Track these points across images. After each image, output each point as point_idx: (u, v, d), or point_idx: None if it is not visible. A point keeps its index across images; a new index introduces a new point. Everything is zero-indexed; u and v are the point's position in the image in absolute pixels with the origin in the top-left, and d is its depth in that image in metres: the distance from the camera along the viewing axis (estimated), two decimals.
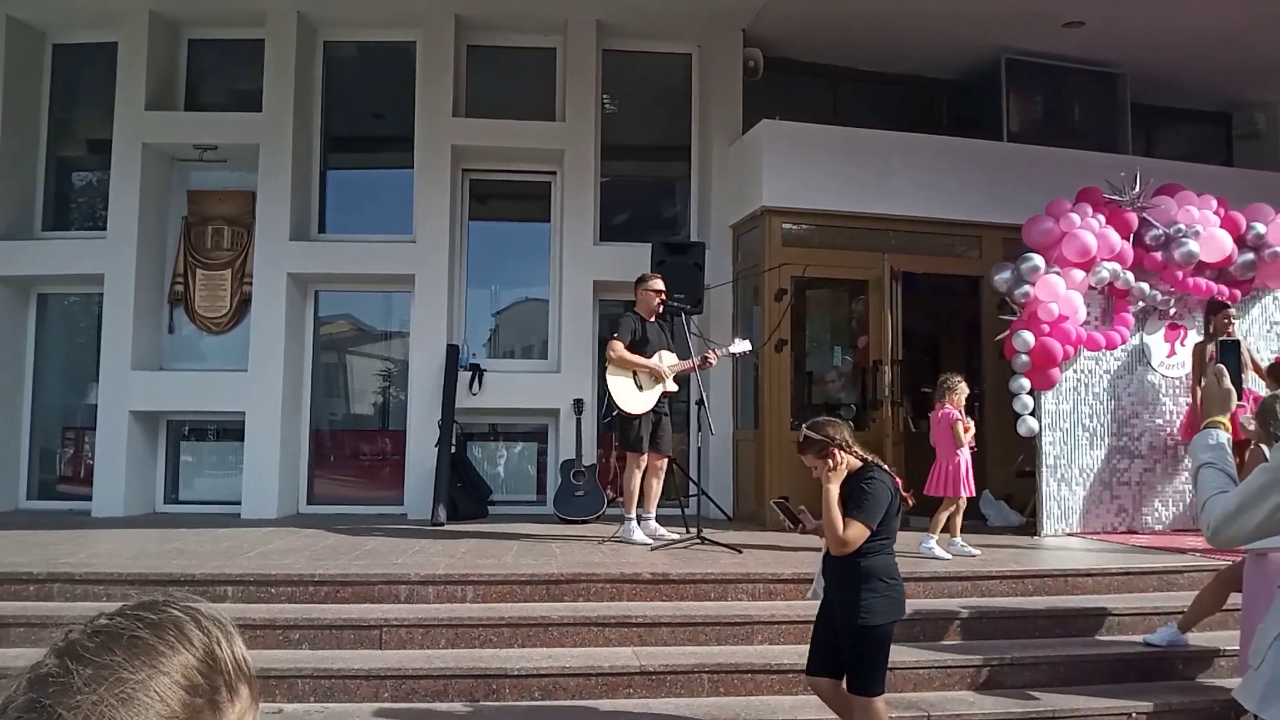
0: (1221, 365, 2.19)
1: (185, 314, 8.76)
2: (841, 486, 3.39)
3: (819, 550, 3.67)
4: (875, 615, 3.34)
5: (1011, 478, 8.17)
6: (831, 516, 3.32)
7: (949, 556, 6.05)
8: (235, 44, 8.88)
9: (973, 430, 6.42)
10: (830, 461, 3.37)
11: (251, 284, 8.52)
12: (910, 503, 3.52)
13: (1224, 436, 2.08)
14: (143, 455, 8.44)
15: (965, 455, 6.35)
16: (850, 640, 3.38)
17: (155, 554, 5.96)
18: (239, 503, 8.20)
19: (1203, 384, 2.23)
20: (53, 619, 4.79)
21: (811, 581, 3.74)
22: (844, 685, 3.48)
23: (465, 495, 8.14)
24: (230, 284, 8.73)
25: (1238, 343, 2.32)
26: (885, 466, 3.48)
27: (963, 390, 6.46)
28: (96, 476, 8.24)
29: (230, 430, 8.69)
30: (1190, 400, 7.48)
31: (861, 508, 3.32)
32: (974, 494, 6.47)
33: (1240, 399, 2.16)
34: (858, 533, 3.30)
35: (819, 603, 3.64)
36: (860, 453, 3.47)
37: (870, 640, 3.36)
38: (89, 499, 8.23)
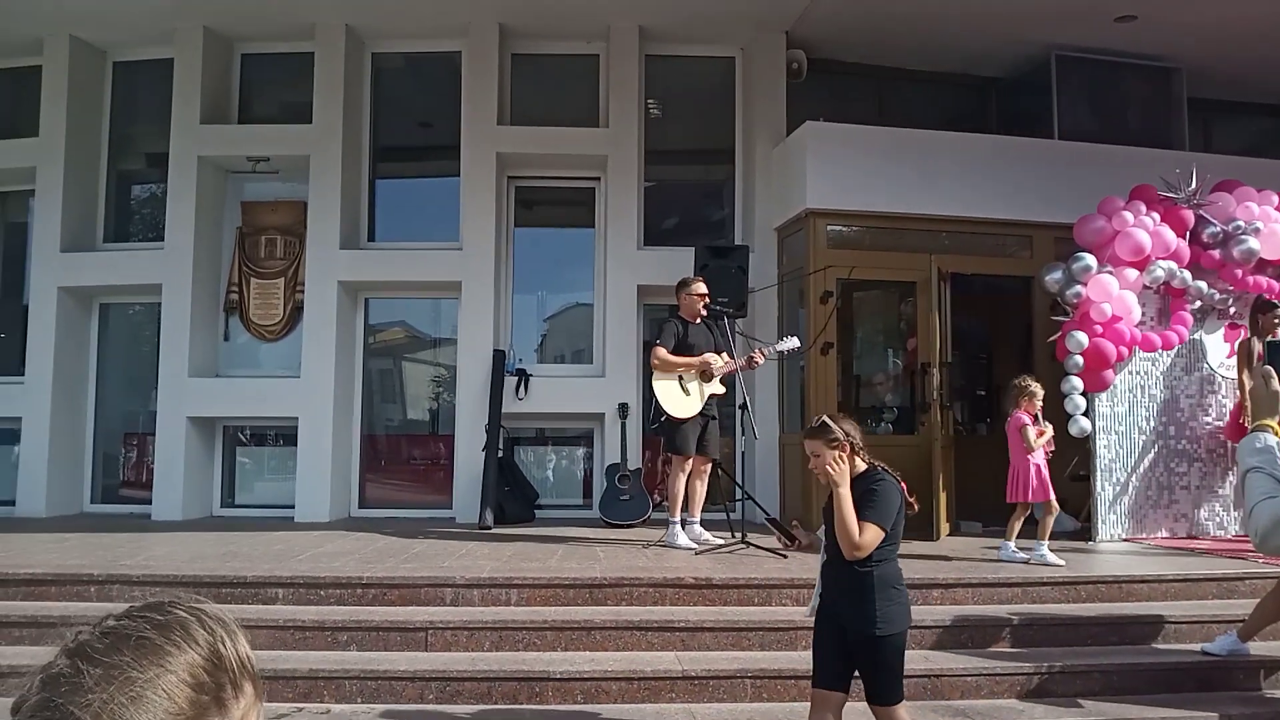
0: (1270, 367, 2.12)
1: (240, 322, 8.97)
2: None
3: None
4: (893, 624, 3.27)
5: (1066, 482, 7.99)
6: (846, 520, 3.22)
7: (1062, 562, 5.92)
8: (286, 57, 9.09)
9: (1047, 434, 6.31)
10: (836, 457, 3.29)
11: (304, 292, 8.69)
12: (915, 507, 3.41)
13: (1272, 439, 2.01)
14: (200, 460, 8.66)
15: (1037, 460, 6.23)
16: (867, 652, 3.30)
17: (210, 556, 6.10)
18: (293, 506, 8.37)
19: (1249, 385, 2.17)
20: None
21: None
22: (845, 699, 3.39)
23: (512, 499, 8.20)
24: (283, 292, 8.92)
25: None
26: (890, 470, 3.40)
27: (1034, 393, 6.33)
28: (156, 481, 8.48)
29: (285, 435, 8.88)
30: (1239, 399, 7.27)
31: (875, 508, 3.25)
32: (1045, 498, 6.25)
33: None
34: (874, 535, 3.23)
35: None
36: (866, 456, 3.40)
37: (890, 649, 3.29)
38: (149, 503, 8.47)
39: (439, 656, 4.76)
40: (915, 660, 4.79)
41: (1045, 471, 6.28)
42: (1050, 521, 6.22)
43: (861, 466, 3.38)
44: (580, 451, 9.16)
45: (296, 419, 8.46)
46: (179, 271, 8.53)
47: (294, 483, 8.49)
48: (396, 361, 9.53)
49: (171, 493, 8.37)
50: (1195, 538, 7.29)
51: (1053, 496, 6.27)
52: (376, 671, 4.52)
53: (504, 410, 8.35)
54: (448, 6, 8.47)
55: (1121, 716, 4.42)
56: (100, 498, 9.06)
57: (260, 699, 0.93)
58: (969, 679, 4.66)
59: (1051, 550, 6.09)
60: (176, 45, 8.71)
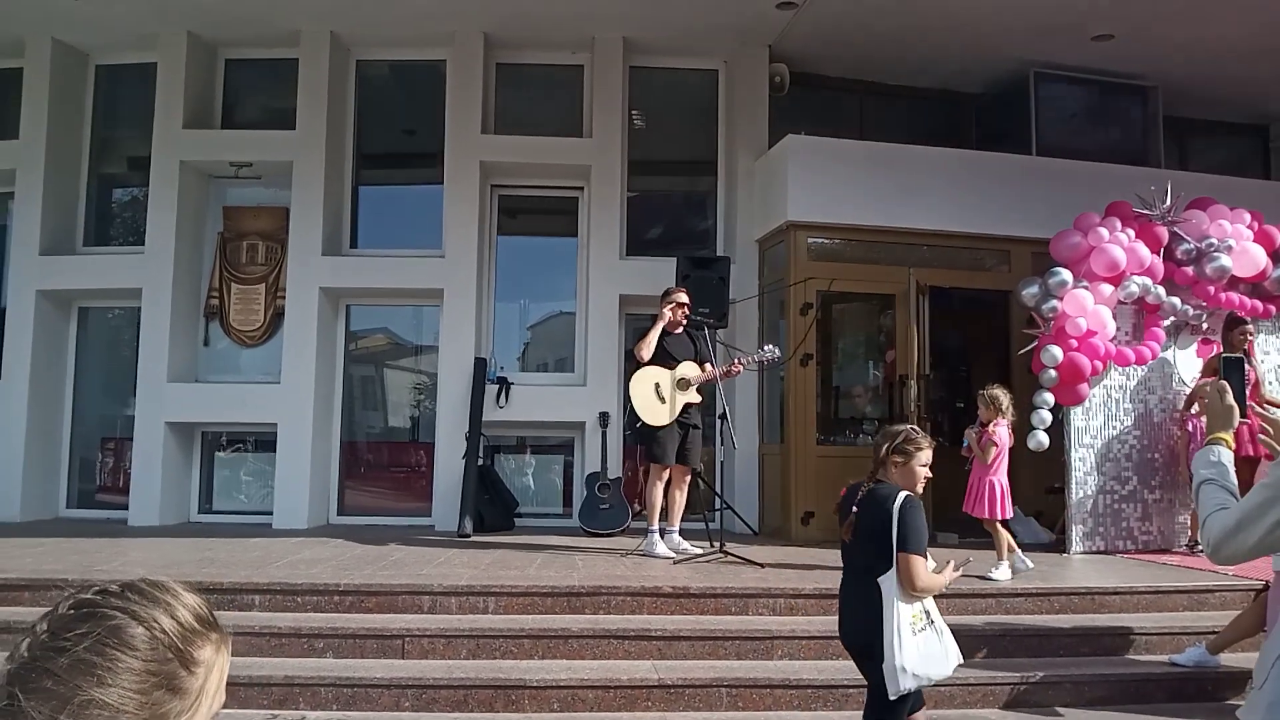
0: (1225, 381, 2.17)
1: (220, 327, 8.93)
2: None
3: (836, 568, 3.60)
4: None
5: (1041, 494, 8.07)
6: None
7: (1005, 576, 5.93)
8: (270, 63, 9.08)
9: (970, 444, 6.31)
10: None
11: (285, 298, 8.68)
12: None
13: (1225, 453, 2.06)
14: (178, 465, 8.61)
15: (993, 476, 6.21)
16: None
17: (186, 562, 6.07)
18: (271, 513, 8.34)
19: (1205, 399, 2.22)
20: None
21: (837, 599, 3.53)
22: None
23: (492, 507, 8.20)
24: (264, 298, 8.90)
25: (1241, 359, 2.30)
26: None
27: (982, 402, 6.31)
28: (133, 486, 8.42)
29: (263, 441, 8.84)
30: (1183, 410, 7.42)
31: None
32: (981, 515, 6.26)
33: (1244, 415, 2.14)
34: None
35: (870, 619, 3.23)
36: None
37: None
38: (126, 508, 8.41)
39: (415, 664, 4.76)
40: None
41: (991, 487, 6.18)
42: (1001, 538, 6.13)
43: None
44: (561, 460, 9.17)
45: (276, 425, 8.43)
46: (159, 276, 8.49)
47: (272, 489, 8.47)
48: (378, 368, 9.52)
49: (149, 498, 8.31)
50: (1168, 550, 7.38)
51: (994, 514, 6.15)
52: (352, 679, 4.52)
53: (484, 418, 8.35)
54: (433, 15, 8.49)
55: None
56: (76, 502, 8.98)
57: (222, 646, 0.93)
58: (945, 689, 4.69)
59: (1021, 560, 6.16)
60: (160, 50, 8.69)
